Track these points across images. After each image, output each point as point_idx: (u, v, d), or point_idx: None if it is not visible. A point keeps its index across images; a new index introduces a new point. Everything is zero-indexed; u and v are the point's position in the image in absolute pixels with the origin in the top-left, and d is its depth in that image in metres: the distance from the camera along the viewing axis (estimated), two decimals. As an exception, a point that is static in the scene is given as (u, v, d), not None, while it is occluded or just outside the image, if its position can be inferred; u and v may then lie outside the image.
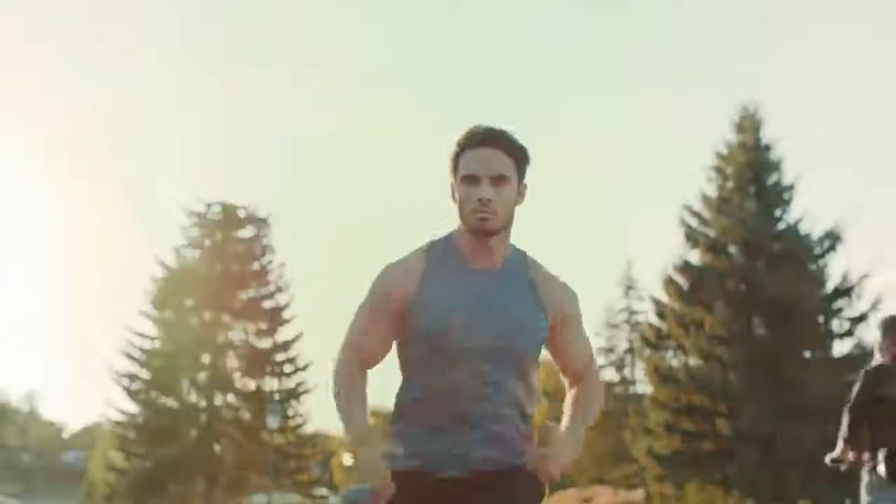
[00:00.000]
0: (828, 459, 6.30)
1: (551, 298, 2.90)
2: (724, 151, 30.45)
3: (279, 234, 57.53)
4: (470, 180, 2.82)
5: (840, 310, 29.05)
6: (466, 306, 2.81)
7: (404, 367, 2.93)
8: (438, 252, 2.91)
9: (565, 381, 3.10)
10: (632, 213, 72.47)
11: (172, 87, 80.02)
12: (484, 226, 2.81)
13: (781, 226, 29.63)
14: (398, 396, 2.94)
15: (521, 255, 2.95)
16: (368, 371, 2.95)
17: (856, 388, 6.03)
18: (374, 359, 2.94)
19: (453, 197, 2.89)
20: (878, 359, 6.09)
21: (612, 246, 69.94)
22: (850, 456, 6.10)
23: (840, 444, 6.12)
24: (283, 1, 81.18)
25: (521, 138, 2.91)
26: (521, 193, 2.90)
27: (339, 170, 79.98)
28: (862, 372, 6.09)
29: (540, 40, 78.95)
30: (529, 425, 2.94)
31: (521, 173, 2.89)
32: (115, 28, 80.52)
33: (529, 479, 2.85)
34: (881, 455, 5.83)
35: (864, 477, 6.04)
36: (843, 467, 6.21)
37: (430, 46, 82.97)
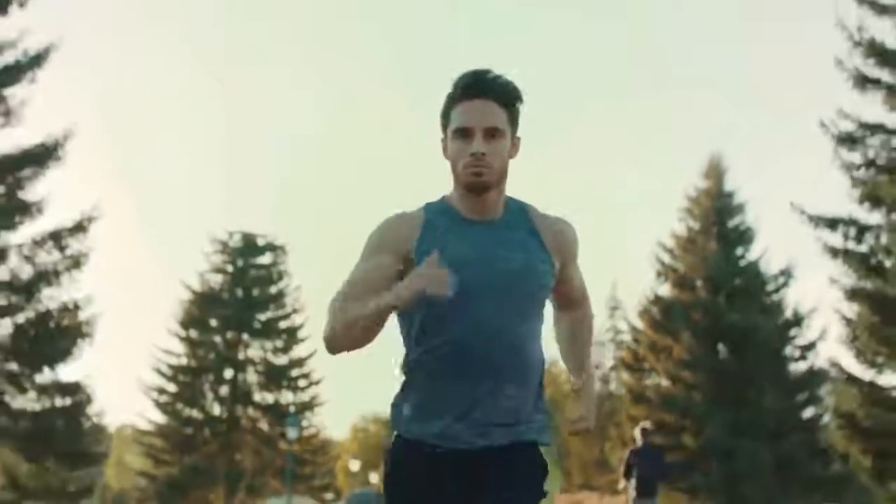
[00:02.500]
0: (619, 487, 12.50)
1: (555, 241, 2.95)
2: (693, 194, 35.93)
3: (295, 258, 63.11)
4: (462, 133, 2.82)
5: (793, 337, 34.52)
6: (467, 253, 2.83)
7: (408, 318, 2.91)
8: (435, 209, 2.94)
9: (554, 303, 3.18)
10: (623, 226, 77.51)
11: (176, 91, 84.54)
12: (478, 181, 2.81)
13: (743, 262, 35.06)
14: (403, 364, 2.95)
15: (521, 206, 2.98)
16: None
17: (625, 458, 12.34)
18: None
19: (445, 153, 2.90)
20: (637, 443, 12.39)
21: (601, 265, 74.65)
22: (626, 487, 12.36)
23: (622, 481, 12.29)
24: (288, 2, 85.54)
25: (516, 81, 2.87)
26: (514, 146, 2.90)
27: (345, 184, 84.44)
28: (628, 451, 12.38)
29: (539, 43, 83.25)
30: (540, 388, 2.96)
31: (514, 125, 2.89)
32: (118, 31, 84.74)
33: (535, 456, 2.90)
34: (633, 485, 12.03)
35: (629, 495, 12.27)
36: (623, 493, 12.59)
37: (430, 50, 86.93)
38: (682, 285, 34.95)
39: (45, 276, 21.31)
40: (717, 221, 35.02)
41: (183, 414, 41.37)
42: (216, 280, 42.53)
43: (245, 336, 41.97)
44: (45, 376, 21.82)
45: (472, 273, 2.80)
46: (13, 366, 20.70)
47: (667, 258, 35.74)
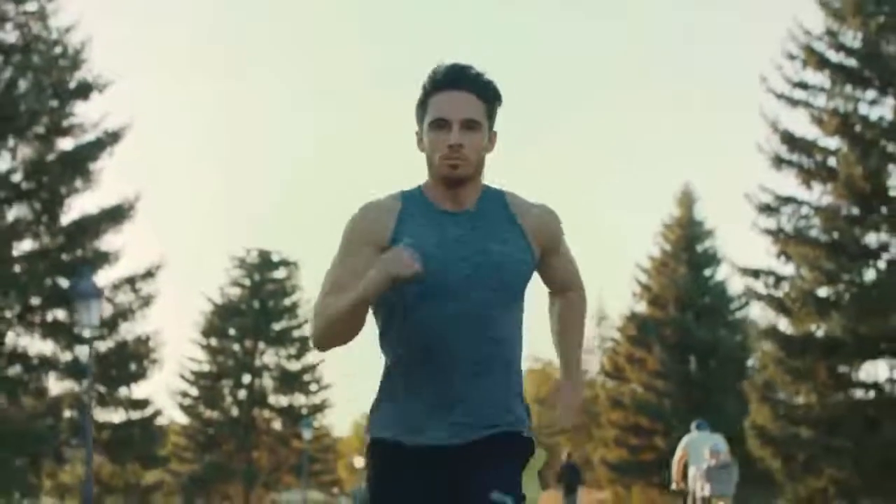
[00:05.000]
0: (548, 486, 19.08)
1: (534, 227, 2.99)
2: (668, 221, 42.18)
3: (307, 272, 68.90)
4: (439, 125, 2.88)
5: (755, 351, 40.75)
6: (445, 242, 2.89)
7: (384, 315, 2.97)
8: (411, 197, 2.98)
9: (549, 291, 3.20)
10: (616, 234, 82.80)
11: (179, 96, 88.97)
12: (454, 173, 2.88)
13: (710, 283, 41.32)
14: (384, 361, 2.98)
15: (496, 193, 3.02)
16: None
17: (558, 471, 18.73)
18: None
19: (419, 145, 2.97)
20: (564, 460, 18.93)
21: (593, 279, 79.94)
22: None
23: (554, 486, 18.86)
24: (294, 5, 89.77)
25: (493, 77, 2.93)
26: (491, 140, 2.96)
27: (351, 195, 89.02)
28: (560, 466, 18.81)
29: (540, 45, 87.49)
30: (519, 378, 2.98)
31: (491, 119, 2.95)
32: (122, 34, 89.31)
33: (517, 443, 2.95)
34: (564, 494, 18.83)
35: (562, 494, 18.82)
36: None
37: (428, 50, 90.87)
38: (656, 303, 41.24)
39: (123, 314, 27.63)
40: (688, 246, 41.28)
41: (204, 415, 47.29)
42: (235, 293, 48.28)
43: (261, 344, 47.74)
44: (122, 394, 28.38)
45: (447, 266, 2.86)
46: (98, 386, 26.97)
47: (644, 278, 42.01)
